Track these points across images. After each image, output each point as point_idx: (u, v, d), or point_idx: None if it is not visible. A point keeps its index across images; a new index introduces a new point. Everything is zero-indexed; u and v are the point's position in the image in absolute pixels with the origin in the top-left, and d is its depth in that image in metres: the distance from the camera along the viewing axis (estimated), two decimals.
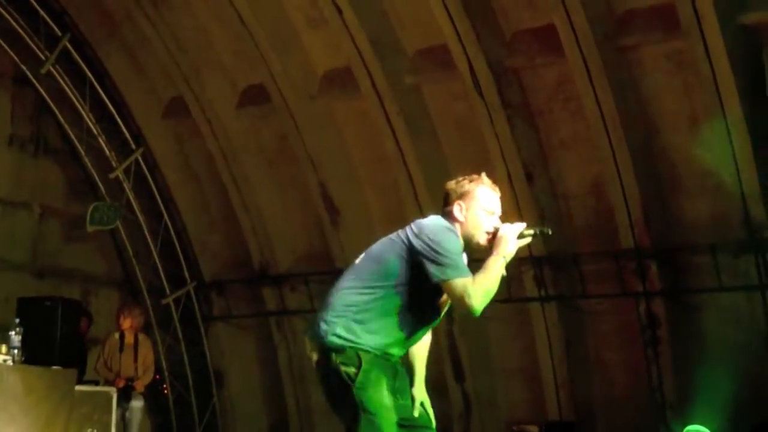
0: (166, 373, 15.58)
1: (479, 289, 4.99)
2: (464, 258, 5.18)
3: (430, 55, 13.05)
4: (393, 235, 5.28)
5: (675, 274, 12.46)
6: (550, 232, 5.62)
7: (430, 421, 5.51)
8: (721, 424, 11.09)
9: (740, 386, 11.31)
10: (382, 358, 5.11)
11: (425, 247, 5.04)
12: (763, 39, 11.18)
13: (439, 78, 13.19)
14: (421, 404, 5.48)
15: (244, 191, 15.11)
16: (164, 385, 15.58)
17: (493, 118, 12.69)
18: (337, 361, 5.06)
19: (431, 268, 5.02)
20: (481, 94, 12.61)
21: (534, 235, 5.36)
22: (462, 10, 12.23)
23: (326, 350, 5.10)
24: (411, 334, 5.24)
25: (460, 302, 5.03)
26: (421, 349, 5.59)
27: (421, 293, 5.13)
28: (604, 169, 12.39)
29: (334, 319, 5.12)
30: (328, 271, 14.19)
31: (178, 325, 15.70)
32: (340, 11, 12.87)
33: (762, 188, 11.44)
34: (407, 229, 5.20)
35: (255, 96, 14.55)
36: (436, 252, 5.01)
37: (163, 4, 14.46)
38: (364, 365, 5.02)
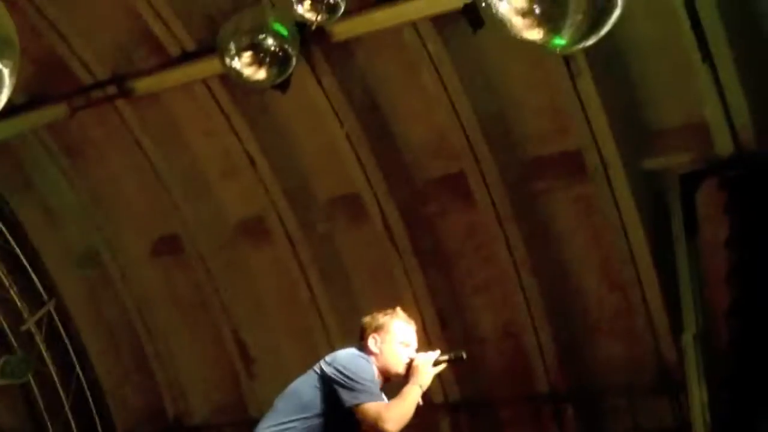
0: None
1: (394, 414, 5.18)
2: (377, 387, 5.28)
3: (343, 203, 12.98)
4: (307, 372, 5.42)
5: (592, 417, 12.23)
6: (464, 356, 5.75)
7: None
8: None
9: None
10: None
11: (337, 374, 5.19)
12: (668, 182, 11.21)
13: (351, 226, 13.07)
14: None
15: (157, 341, 14.73)
16: None
17: (406, 265, 12.56)
18: None
19: (343, 395, 5.16)
20: (393, 241, 12.49)
21: (449, 361, 5.59)
22: (373, 159, 12.21)
23: None
24: None
25: (373, 425, 5.15)
26: None
27: (339, 424, 5.23)
28: (518, 313, 12.24)
29: None
30: (243, 421, 13.84)
31: None
32: (252, 161, 12.78)
33: (672, 330, 11.33)
34: (321, 361, 5.35)
35: (169, 245, 14.33)
36: (348, 378, 5.19)
37: (77, 155, 14.25)
38: None
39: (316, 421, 5.21)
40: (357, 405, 5.17)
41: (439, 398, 12.65)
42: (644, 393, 11.70)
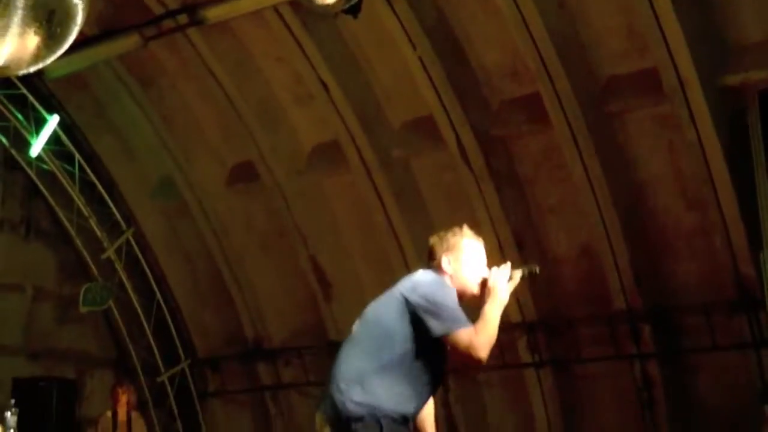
0: None
1: (483, 338, 5.04)
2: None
3: (417, 127, 12.99)
4: (385, 296, 5.27)
5: (668, 336, 12.29)
6: (537, 270, 5.58)
7: None
8: None
9: None
10: (400, 421, 5.05)
11: (423, 303, 5.06)
12: (746, 100, 11.12)
13: (426, 149, 13.11)
14: None
15: (235, 268, 14.95)
16: None
17: (481, 188, 12.60)
18: (358, 429, 4.97)
19: (432, 324, 5.02)
20: (468, 164, 12.53)
21: (523, 276, 5.43)
22: (447, 82, 12.18)
23: (345, 420, 5.00)
24: (425, 392, 5.22)
25: (466, 354, 5.05)
26: (428, 415, 5.53)
27: (427, 350, 5.11)
28: (594, 233, 12.27)
29: (348, 388, 5.04)
30: (321, 345, 14.09)
31: (173, 402, 15.46)
32: (326, 87, 12.81)
33: (751, 248, 11.32)
34: (400, 287, 5.23)
35: (244, 173, 14.46)
36: (436, 306, 5.04)
37: (151, 85, 14.40)
38: (385, 430, 4.97)
39: (405, 350, 5.07)
40: (447, 334, 5.05)
41: (516, 318, 12.76)
42: (722, 311, 11.73)
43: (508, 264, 5.40)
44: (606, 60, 11.66)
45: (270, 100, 13.75)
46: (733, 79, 11.06)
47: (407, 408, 5.10)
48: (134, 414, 12.55)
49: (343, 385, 5.05)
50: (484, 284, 5.32)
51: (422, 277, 5.26)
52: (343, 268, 14.16)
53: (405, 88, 12.74)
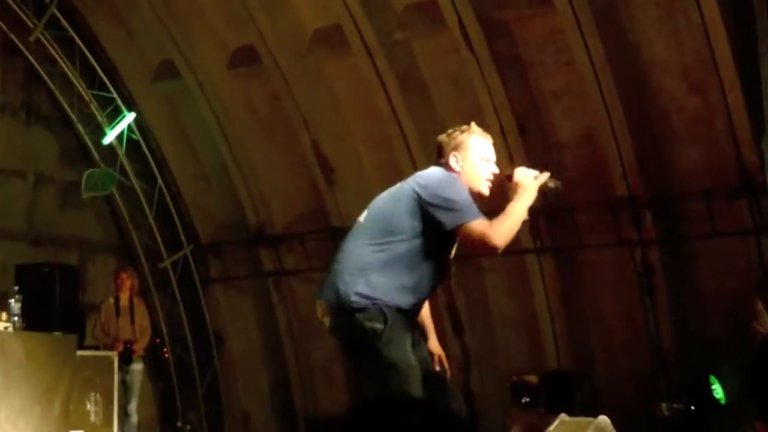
0: (166, 337, 15.60)
1: (501, 228, 5.11)
2: None
3: (419, 11, 12.95)
4: (394, 190, 5.30)
5: (670, 222, 12.43)
6: (560, 187, 5.59)
7: (446, 372, 5.59)
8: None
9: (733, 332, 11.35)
10: (404, 312, 5.12)
11: (436, 197, 5.09)
12: None
13: (428, 33, 13.08)
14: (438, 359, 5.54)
15: (237, 152, 15.04)
16: (164, 349, 15.60)
17: (484, 72, 12.63)
18: (362, 319, 5.05)
19: (445, 217, 5.07)
20: (471, 48, 12.54)
21: (546, 185, 5.44)
22: None
23: (348, 310, 5.07)
24: (428, 286, 5.27)
25: (480, 242, 5.10)
26: (429, 301, 5.58)
27: (434, 245, 5.17)
28: (596, 118, 12.35)
29: (353, 279, 5.11)
30: (324, 230, 14.26)
31: (176, 288, 15.70)
32: None
33: (754, 134, 11.38)
34: (411, 182, 5.23)
35: (245, 57, 14.42)
36: (448, 200, 5.06)
37: None
38: (389, 321, 5.03)
39: (413, 244, 5.10)
40: (461, 225, 5.07)
41: None
42: (723, 197, 11.85)
43: (535, 171, 5.44)
44: None
45: None
46: None
47: (408, 301, 5.15)
48: (136, 299, 12.78)
49: (347, 276, 5.11)
50: (509, 179, 5.39)
51: (433, 173, 5.27)
52: (345, 153, 14.24)
53: None
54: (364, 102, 13.80)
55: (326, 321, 5.20)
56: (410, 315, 5.20)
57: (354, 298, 5.05)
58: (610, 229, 12.68)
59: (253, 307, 15.93)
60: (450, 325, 13.86)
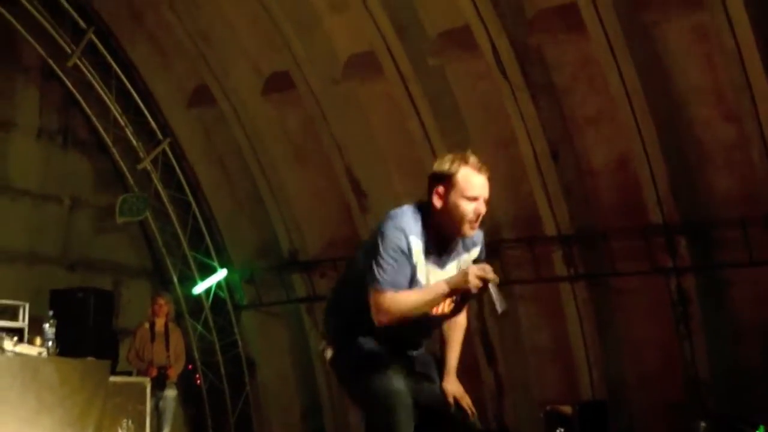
0: (199, 363, 15.79)
1: (397, 308, 4.69)
2: (409, 267, 4.74)
3: (453, 36, 13.14)
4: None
5: (705, 249, 12.50)
6: (501, 310, 4.73)
7: (465, 411, 5.22)
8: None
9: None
10: (386, 349, 4.94)
11: (372, 246, 4.78)
12: None
13: (462, 58, 13.28)
14: (455, 399, 5.23)
15: (271, 178, 15.29)
16: (197, 375, 15.77)
17: (517, 97, 12.78)
18: (342, 355, 5.01)
19: (367, 270, 4.74)
20: (504, 74, 12.69)
21: (491, 297, 4.67)
22: None
23: (333, 346, 5.05)
24: (408, 331, 4.96)
25: (372, 311, 4.72)
26: (453, 336, 5.35)
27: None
28: (630, 144, 12.45)
29: (331, 318, 5.09)
30: None
31: (209, 313, 15.88)
32: None
33: None
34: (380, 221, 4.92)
35: (280, 82, 14.69)
36: (374, 255, 4.72)
37: None
38: (367, 358, 4.90)
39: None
40: (369, 285, 4.72)
41: (551, 231, 13.03)
42: (759, 225, 11.89)
43: (496, 277, 4.70)
44: None
45: (306, 9, 13.90)
46: None
47: (392, 342, 4.94)
48: (171, 325, 12.89)
49: (328, 314, 5.13)
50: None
51: (391, 217, 4.85)
52: (378, 178, 14.43)
53: None
54: (397, 127, 13.98)
55: (327, 354, 5.10)
56: (396, 350, 4.99)
57: (333, 335, 5.03)
58: (644, 256, 12.75)
59: (286, 333, 16.13)
60: (483, 354, 13.95)
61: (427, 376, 5.14)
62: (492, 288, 4.63)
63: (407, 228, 4.77)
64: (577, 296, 13.27)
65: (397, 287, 4.70)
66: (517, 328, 13.95)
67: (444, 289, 4.70)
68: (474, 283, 4.62)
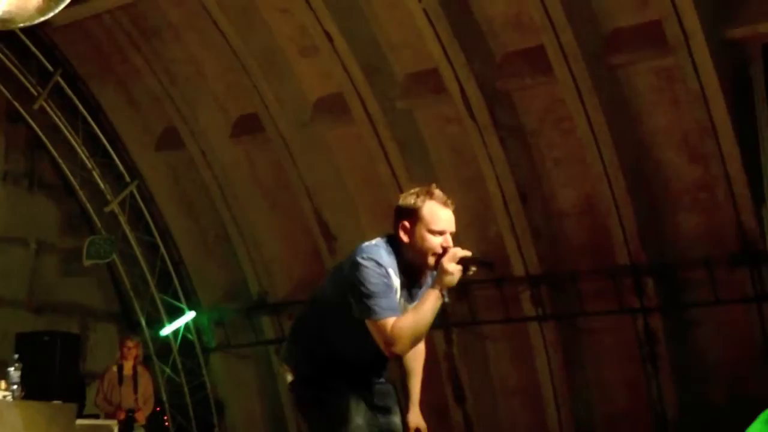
0: (167, 405, 15.74)
1: (404, 332, 4.75)
2: (395, 293, 4.86)
3: (421, 79, 13.26)
4: (345, 260, 5.09)
5: (672, 290, 12.63)
6: (492, 263, 5.14)
7: None
8: None
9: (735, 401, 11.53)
10: (347, 378, 5.01)
11: (349, 282, 4.82)
12: (750, 53, 11.38)
13: (430, 102, 13.42)
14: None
15: (240, 220, 15.33)
16: (165, 417, 15.71)
17: (485, 140, 12.89)
18: (303, 386, 5.07)
19: (354, 306, 4.80)
20: (473, 117, 12.81)
21: (476, 262, 4.93)
22: (451, 34, 12.40)
23: (293, 372, 5.11)
24: (370, 361, 5.07)
25: (383, 346, 4.79)
26: (414, 366, 5.48)
27: (351, 333, 4.92)
28: (598, 186, 12.59)
29: (293, 345, 5.18)
30: None
31: (177, 356, 15.88)
32: (330, 39, 13.05)
33: (754, 202, 11.62)
34: (352, 254, 5.00)
35: (248, 125, 14.78)
36: (358, 289, 4.77)
37: (154, 36, 14.67)
38: (327, 387, 4.97)
39: (344, 318, 4.87)
40: (367, 320, 4.78)
41: (520, 271, 13.13)
42: (725, 265, 12.03)
43: (466, 251, 4.90)
44: (610, 12, 11.92)
45: (274, 52, 14.01)
46: (737, 32, 11.31)
47: (354, 372, 5.05)
48: (140, 368, 12.88)
49: (291, 344, 5.23)
50: (439, 258, 4.90)
51: (363, 251, 4.92)
52: (347, 221, 14.46)
53: (410, 39, 13.00)
54: (365, 170, 14.08)
55: (288, 379, 5.18)
56: (358, 381, 5.06)
57: (295, 365, 5.11)
58: (612, 297, 12.86)
59: (255, 375, 16.10)
60: (452, 393, 14.01)
61: (387, 408, 5.18)
62: (470, 260, 4.86)
63: (386, 262, 4.87)
64: (545, 336, 13.34)
65: (396, 312, 4.79)
66: (486, 367, 14.03)
67: (435, 294, 4.82)
68: (454, 269, 4.81)
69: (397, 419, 5.22)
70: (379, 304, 4.75)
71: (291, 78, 14.13)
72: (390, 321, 4.74)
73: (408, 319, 4.78)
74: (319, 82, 14.06)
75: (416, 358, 5.47)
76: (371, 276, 4.78)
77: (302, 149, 14.38)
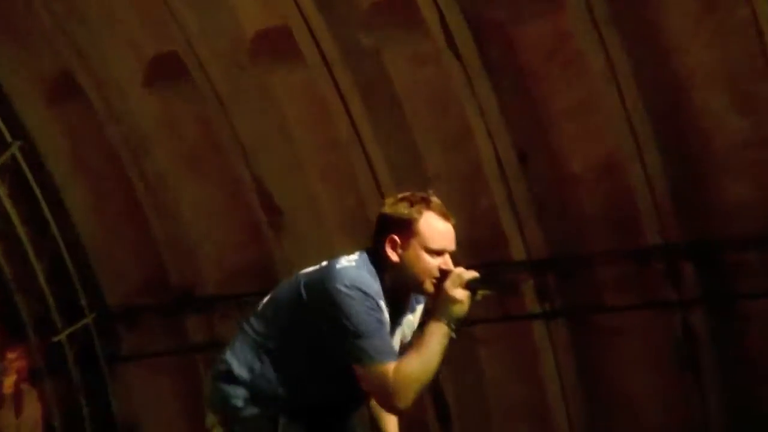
0: None
1: (411, 380, 4.78)
2: (387, 329, 4.90)
3: (391, 9, 13.16)
4: (295, 278, 5.11)
5: (716, 277, 12.57)
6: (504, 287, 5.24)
7: None
8: None
9: None
10: (307, 416, 5.01)
11: (325, 311, 4.82)
12: None
13: (402, 37, 13.31)
14: None
15: (157, 192, 15.21)
16: None
17: (473, 85, 12.81)
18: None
19: (337, 346, 4.83)
20: (457, 56, 12.74)
21: (490, 288, 5.08)
22: None
23: (228, 421, 5.08)
24: (343, 404, 5.13)
25: (380, 398, 4.90)
26: (389, 422, 5.50)
27: (329, 356, 4.93)
28: (619, 144, 12.53)
29: (227, 386, 5.07)
30: (267, 290, 14.24)
31: (73, 369, 15.73)
32: None
33: None
34: (304, 277, 5.02)
35: (167, 68, 14.60)
36: (341, 325, 4.78)
37: None
38: (280, 425, 4.95)
39: (301, 348, 4.96)
40: (356, 366, 4.80)
41: (519, 255, 13.07)
42: None
43: (474, 273, 4.97)
44: None
45: None
46: None
47: (318, 409, 5.06)
48: (25, 386, 12.78)
49: (229, 378, 5.11)
50: (439, 282, 4.94)
51: (342, 274, 4.89)
52: (297, 191, 14.40)
53: None
54: (319, 126, 14.01)
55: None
56: (321, 417, 5.07)
57: (233, 404, 5.04)
58: (639, 287, 12.86)
59: (178, 393, 15.94)
60: (434, 412, 13.96)
61: None
62: (479, 283, 4.94)
63: (374, 292, 4.87)
64: (554, 338, 13.28)
65: (394, 356, 4.83)
66: (478, 380, 13.97)
67: (442, 329, 4.84)
68: (462, 295, 4.86)
69: None
70: (374, 345, 4.77)
71: (222, 5, 13.96)
72: (390, 367, 4.77)
73: (412, 363, 4.81)
74: (258, 12, 13.90)
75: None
76: (359, 311, 4.79)
77: (237, 99, 14.26)
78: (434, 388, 13.77)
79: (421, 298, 5.19)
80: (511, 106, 12.95)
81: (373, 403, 5.28)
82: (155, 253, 15.57)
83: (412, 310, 5.20)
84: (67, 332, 15.72)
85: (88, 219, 16.02)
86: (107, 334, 16.05)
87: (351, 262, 4.95)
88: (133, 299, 15.97)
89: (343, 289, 4.79)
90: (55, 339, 15.71)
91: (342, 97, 13.48)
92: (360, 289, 4.82)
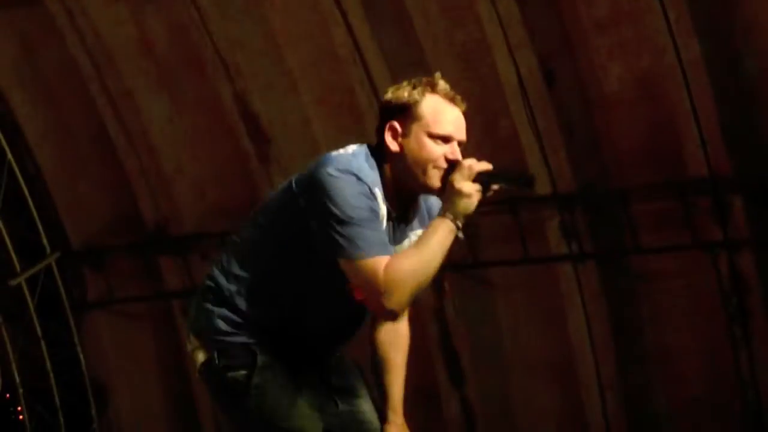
0: (20, 390, 15.67)
1: (405, 277, 4.79)
2: (382, 222, 4.94)
3: None
4: (289, 179, 5.15)
5: None
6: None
7: None
8: None
9: None
10: (289, 347, 5.09)
11: (311, 203, 4.86)
12: None
13: None
14: None
15: (126, 116, 15.14)
16: (18, 408, 15.71)
17: None
18: (221, 364, 5.08)
19: (321, 238, 4.86)
20: None
21: (507, 181, 5.01)
22: None
23: (208, 348, 5.13)
24: (336, 325, 5.21)
25: (370, 297, 4.86)
26: (395, 357, 5.52)
27: (321, 260, 4.97)
28: (661, 59, 12.49)
29: (209, 306, 5.14)
30: None
31: (34, 316, 15.76)
32: None
33: None
34: (312, 167, 5.01)
35: None
36: (328, 213, 4.80)
37: None
38: (259, 363, 5.02)
39: (292, 255, 5.01)
40: (343, 260, 4.84)
41: (544, 188, 13.03)
42: None
43: (488, 164, 4.95)
44: None
45: None
46: None
47: (301, 334, 5.17)
48: None
49: (208, 302, 5.21)
50: (446, 174, 4.99)
51: (333, 159, 4.94)
52: (287, 114, 14.37)
53: None
54: (313, 38, 13.92)
55: (198, 358, 5.21)
56: (304, 349, 5.17)
57: (212, 332, 5.12)
58: (681, 226, 12.84)
59: (151, 344, 16.07)
60: (445, 370, 13.97)
61: (349, 390, 5.32)
62: (494, 176, 4.93)
63: (369, 178, 4.89)
64: (582, 285, 13.36)
65: (388, 249, 4.87)
66: (495, 333, 14.02)
67: (446, 225, 4.86)
68: (471, 189, 4.86)
69: (366, 406, 5.35)
70: (363, 235, 4.79)
71: None
72: (381, 261, 4.78)
73: (409, 260, 4.83)
74: None
75: (397, 347, 5.53)
76: (349, 195, 4.80)
77: (218, 6, 14.15)
78: (444, 344, 13.83)
79: (436, 211, 5.07)
80: (535, 15, 12.91)
81: (378, 336, 5.42)
82: (125, 186, 15.55)
83: (423, 223, 5.16)
84: (26, 275, 15.75)
85: (48, 149, 15.97)
86: (72, 276, 16.11)
87: (348, 151, 5.02)
88: (100, 238, 15.97)
89: (334, 172, 4.82)
90: (13, 282, 15.69)
91: (339, 4, 13.43)
92: (351, 173, 4.85)
